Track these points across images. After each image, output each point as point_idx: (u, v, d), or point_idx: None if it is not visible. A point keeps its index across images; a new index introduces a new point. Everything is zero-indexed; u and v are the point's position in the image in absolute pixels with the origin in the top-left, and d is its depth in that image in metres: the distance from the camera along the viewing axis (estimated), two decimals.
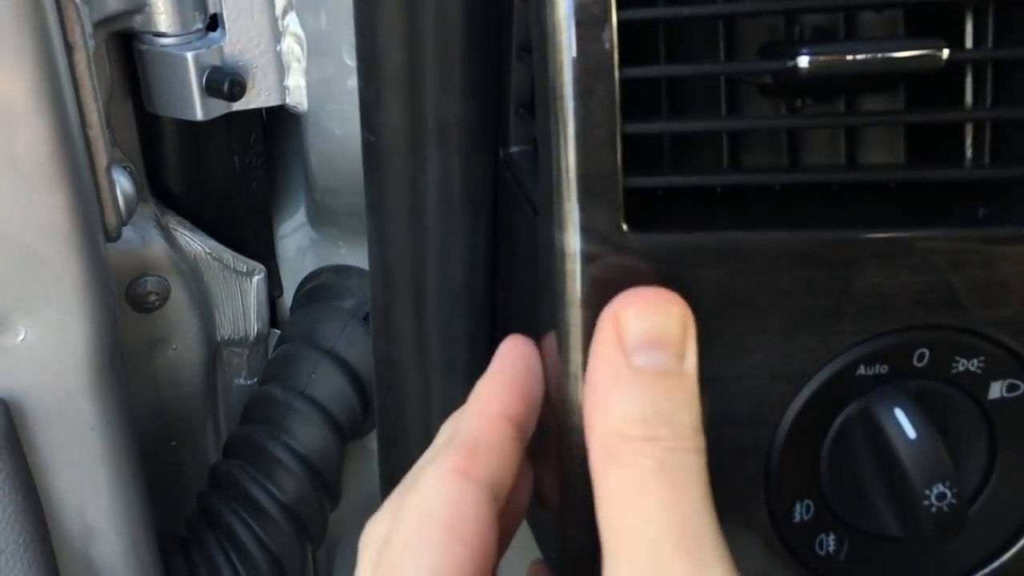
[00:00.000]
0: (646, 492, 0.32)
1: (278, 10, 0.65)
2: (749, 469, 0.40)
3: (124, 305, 0.68)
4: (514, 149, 0.49)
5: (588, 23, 0.36)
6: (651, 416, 0.33)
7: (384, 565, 0.35)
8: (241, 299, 0.76)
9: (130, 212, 0.59)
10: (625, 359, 0.34)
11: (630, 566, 0.32)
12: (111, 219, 0.57)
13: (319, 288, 0.78)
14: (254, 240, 0.78)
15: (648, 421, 0.33)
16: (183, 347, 0.73)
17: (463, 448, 0.36)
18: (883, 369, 0.39)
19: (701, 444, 0.34)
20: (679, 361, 0.35)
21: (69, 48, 0.52)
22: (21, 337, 0.54)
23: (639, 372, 0.34)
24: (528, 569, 0.44)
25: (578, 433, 0.37)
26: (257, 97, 0.67)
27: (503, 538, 0.37)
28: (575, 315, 0.37)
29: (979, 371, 0.39)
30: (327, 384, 0.73)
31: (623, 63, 0.36)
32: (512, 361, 0.40)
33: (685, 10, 0.38)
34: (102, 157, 0.55)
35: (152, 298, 0.69)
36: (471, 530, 0.34)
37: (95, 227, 0.55)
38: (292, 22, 0.66)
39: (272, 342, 0.80)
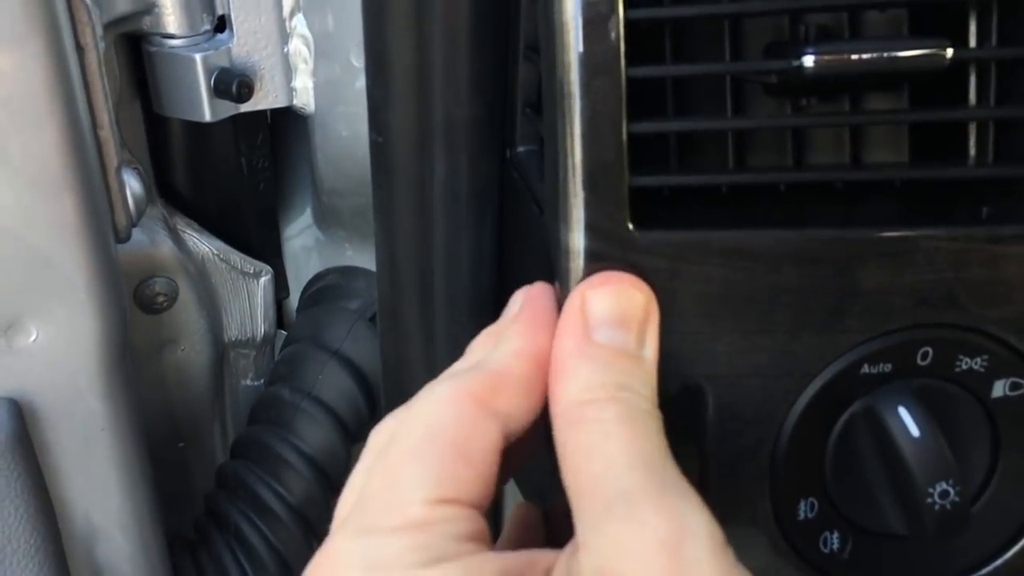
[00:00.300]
0: (610, 436, 0.33)
1: (285, 12, 0.65)
2: (754, 467, 0.40)
3: (133, 306, 0.69)
4: (521, 148, 0.49)
5: (595, 22, 0.36)
6: (612, 384, 0.34)
7: (380, 467, 0.35)
8: (248, 300, 0.76)
9: (140, 213, 0.59)
10: (588, 335, 0.35)
11: (601, 502, 0.32)
12: (121, 220, 0.57)
13: (325, 289, 0.78)
14: (261, 241, 0.78)
15: (608, 387, 0.34)
16: (191, 348, 0.73)
17: (487, 378, 0.36)
18: (887, 368, 0.39)
19: (659, 415, 0.35)
20: (639, 344, 0.36)
21: (80, 50, 0.53)
22: (33, 338, 0.55)
23: (601, 347, 0.35)
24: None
25: None
26: (264, 98, 0.67)
27: (503, 476, 0.36)
28: None
29: (982, 370, 0.39)
30: (334, 385, 0.73)
31: (629, 62, 0.36)
32: (542, 304, 0.39)
33: (691, 9, 0.38)
34: (112, 158, 0.56)
35: (160, 299, 0.69)
36: (477, 455, 0.34)
37: (105, 228, 0.56)
38: (299, 24, 0.66)
39: (279, 343, 0.80)
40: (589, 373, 0.35)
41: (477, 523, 0.34)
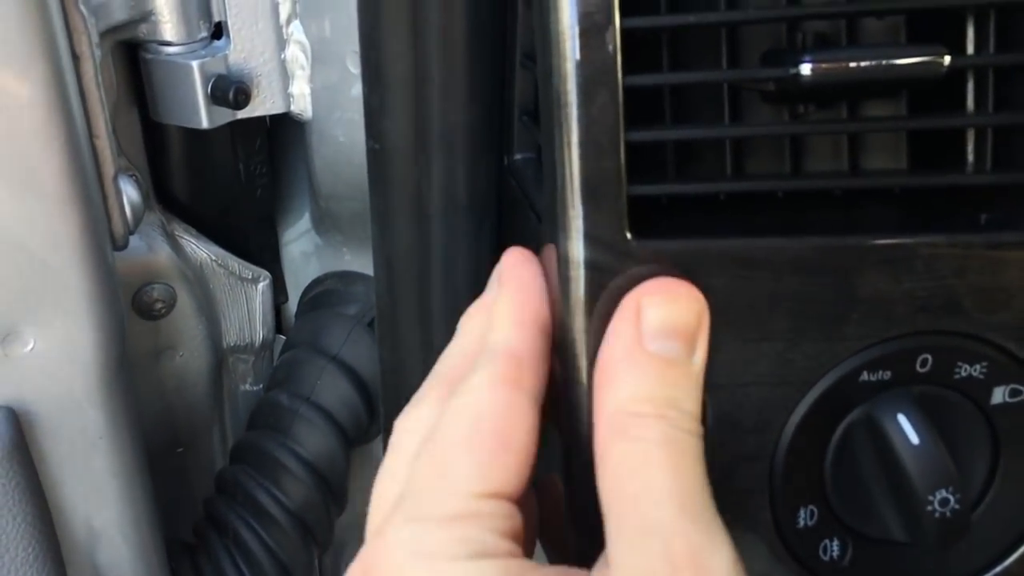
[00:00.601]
0: (651, 462, 0.34)
1: (282, 18, 0.65)
2: (754, 475, 0.40)
3: (131, 313, 0.68)
4: (518, 156, 0.49)
5: (592, 31, 0.36)
6: (659, 398, 0.35)
7: (427, 458, 0.36)
8: (247, 306, 0.76)
9: (137, 220, 0.59)
10: (641, 342, 0.36)
11: (635, 528, 0.33)
12: (118, 228, 0.57)
13: (324, 294, 0.78)
14: (259, 247, 0.78)
15: (656, 401, 0.35)
16: (189, 354, 0.73)
17: (511, 358, 0.37)
18: (887, 375, 0.39)
19: (701, 433, 0.35)
20: (690, 353, 0.36)
21: (76, 58, 0.52)
22: (30, 347, 0.54)
23: (652, 357, 0.36)
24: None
25: (584, 427, 0.37)
26: (262, 105, 0.67)
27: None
28: (580, 322, 0.37)
29: (982, 376, 0.39)
30: (332, 390, 0.73)
31: (626, 71, 0.36)
32: (526, 271, 0.40)
33: (688, 18, 0.38)
34: (109, 166, 0.56)
35: (159, 306, 0.69)
36: (519, 439, 0.36)
37: (102, 236, 0.55)
38: (296, 30, 0.66)
39: (277, 348, 0.80)
40: (638, 382, 0.35)
41: (516, 520, 0.35)
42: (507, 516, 0.35)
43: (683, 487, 0.33)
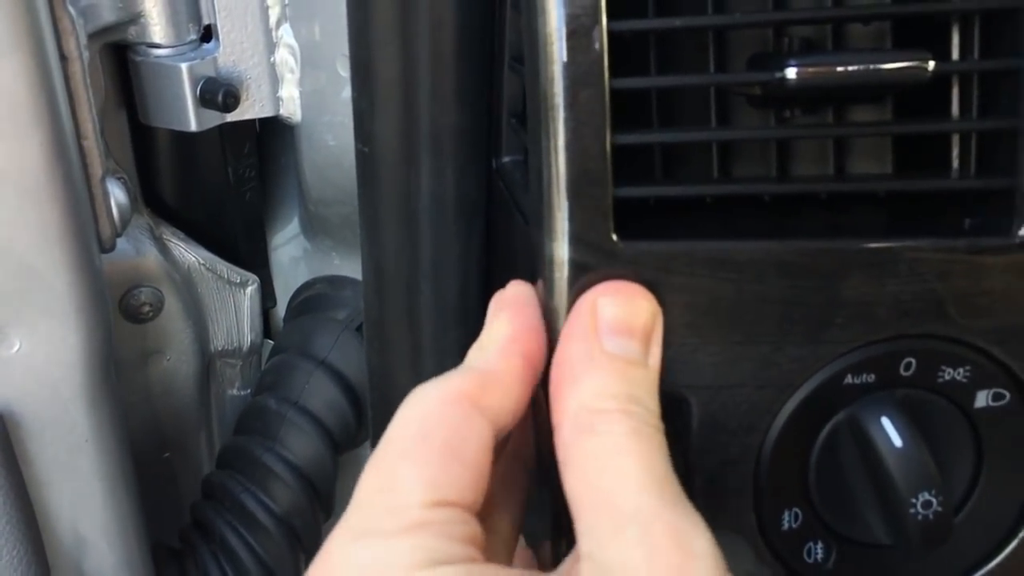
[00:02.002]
0: (623, 453, 0.33)
1: (272, 22, 0.65)
2: (738, 477, 0.40)
3: (118, 316, 0.68)
4: (506, 159, 0.49)
5: (579, 34, 0.36)
6: (623, 394, 0.35)
7: (374, 468, 0.35)
8: (235, 310, 0.76)
9: (124, 223, 0.59)
10: (599, 342, 0.36)
11: (609, 519, 0.32)
12: (105, 230, 0.57)
13: (312, 299, 0.78)
14: (248, 251, 0.78)
15: (620, 398, 0.35)
16: (177, 358, 0.73)
17: (477, 377, 0.36)
18: (870, 378, 0.39)
19: (663, 428, 0.35)
20: (645, 354, 0.36)
21: (64, 59, 0.52)
22: (16, 348, 0.54)
23: (611, 355, 0.36)
24: None
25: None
26: (251, 108, 0.67)
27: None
28: (563, 323, 0.37)
29: (965, 380, 0.39)
30: (320, 395, 0.73)
31: (613, 74, 0.36)
32: (524, 303, 0.40)
33: (675, 21, 0.39)
34: (96, 168, 0.56)
35: (146, 309, 0.69)
36: (470, 455, 0.35)
37: (89, 238, 0.55)
38: (286, 34, 0.66)
39: (266, 353, 0.80)
40: (601, 380, 0.35)
41: (473, 526, 0.34)
42: (462, 522, 0.34)
43: (657, 475, 0.33)
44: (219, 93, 0.63)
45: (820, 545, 0.41)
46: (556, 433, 0.35)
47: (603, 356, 0.36)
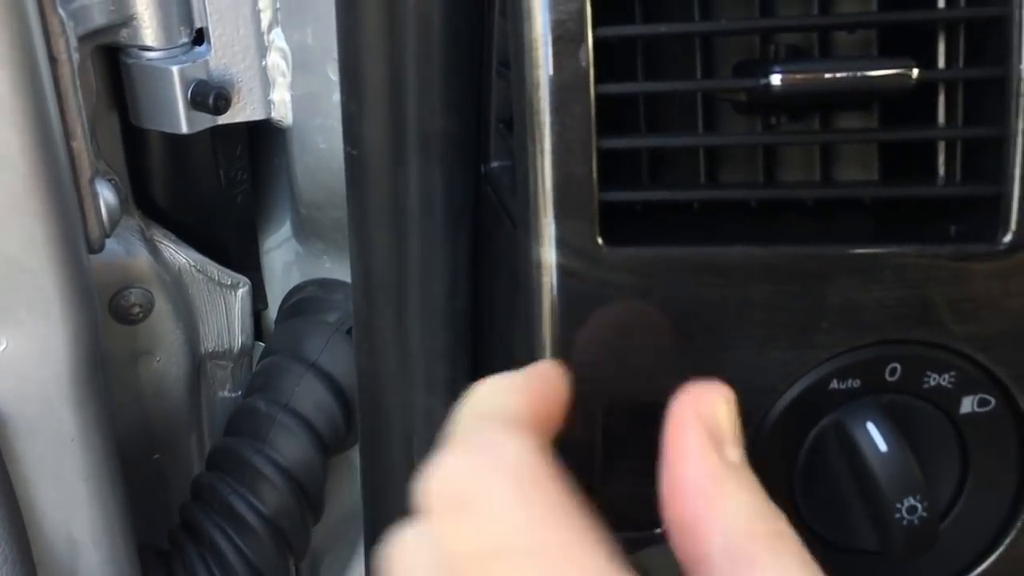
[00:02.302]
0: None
1: (264, 25, 0.65)
2: None
3: (108, 317, 0.68)
4: (495, 164, 0.49)
5: (565, 40, 0.36)
6: (764, 509, 0.32)
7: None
8: (225, 312, 0.76)
9: (113, 224, 0.59)
10: (720, 456, 0.33)
11: None
12: (94, 231, 0.57)
13: (304, 301, 0.78)
14: (239, 253, 0.78)
15: (765, 515, 0.32)
16: (167, 359, 0.73)
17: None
18: (856, 383, 0.39)
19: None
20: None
21: (53, 61, 0.52)
22: (2, 347, 0.54)
23: (739, 468, 0.33)
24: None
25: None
26: (242, 111, 0.67)
27: None
28: (549, 328, 0.37)
29: (950, 386, 0.39)
30: (310, 397, 0.73)
31: (600, 79, 0.36)
32: (550, 374, 0.37)
33: (660, 28, 0.39)
34: (85, 169, 0.56)
35: (136, 310, 0.69)
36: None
37: (77, 238, 0.55)
38: (277, 37, 0.66)
39: (256, 355, 0.80)
40: (740, 499, 0.32)
41: None
42: None
43: None
44: (210, 96, 0.63)
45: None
46: (699, 569, 0.32)
47: (729, 470, 0.32)
